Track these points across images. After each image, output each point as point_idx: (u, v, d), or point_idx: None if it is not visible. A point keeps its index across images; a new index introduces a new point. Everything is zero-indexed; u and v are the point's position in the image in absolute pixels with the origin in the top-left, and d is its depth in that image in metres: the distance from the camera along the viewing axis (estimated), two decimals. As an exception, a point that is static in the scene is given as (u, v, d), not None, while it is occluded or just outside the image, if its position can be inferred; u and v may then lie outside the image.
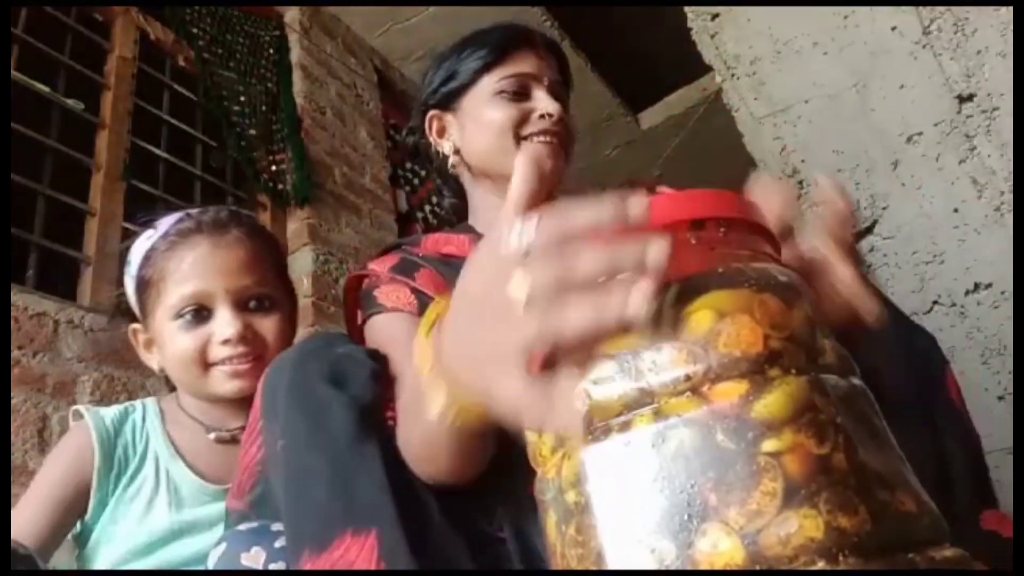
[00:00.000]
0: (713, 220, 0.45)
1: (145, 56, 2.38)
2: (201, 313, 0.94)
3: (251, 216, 1.05)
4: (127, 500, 0.93)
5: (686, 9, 1.74)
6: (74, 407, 1.00)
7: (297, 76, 2.80)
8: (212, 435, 0.97)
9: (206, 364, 0.94)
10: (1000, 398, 1.36)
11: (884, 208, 1.49)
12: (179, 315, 0.94)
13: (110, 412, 0.98)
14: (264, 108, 2.56)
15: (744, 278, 0.43)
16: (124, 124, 2.18)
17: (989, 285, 1.38)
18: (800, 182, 1.59)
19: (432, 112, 1.05)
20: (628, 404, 0.41)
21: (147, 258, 0.98)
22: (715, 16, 1.69)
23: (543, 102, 0.97)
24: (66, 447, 0.95)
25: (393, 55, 3.38)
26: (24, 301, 1.62)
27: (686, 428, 0.39)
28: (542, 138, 0.96)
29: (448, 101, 1.03)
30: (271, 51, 2.75)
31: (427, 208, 3.27)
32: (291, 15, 2.94)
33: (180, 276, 0.94)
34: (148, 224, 1.02)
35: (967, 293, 1.40)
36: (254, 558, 0.63)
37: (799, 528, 0.36)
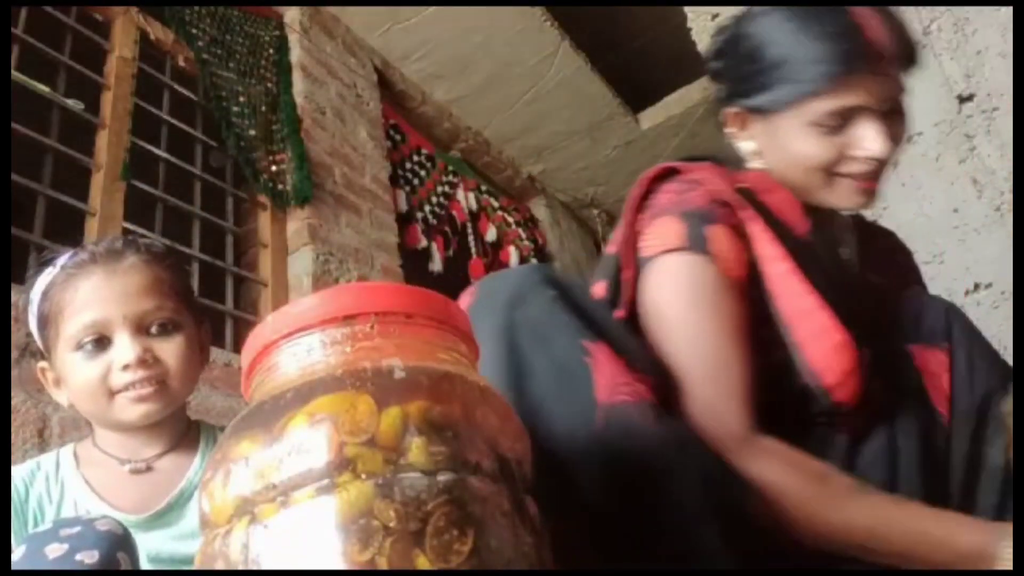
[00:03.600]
0: (397, 313, 0.48)
1: (145, 56, 2.38)
2: (101, 342, 0.94)
3: (151, 242, 1.05)
4: None
5: (686, 9, 1.74)
6: None
7: (297, 76, 2.80)
8: (127, 467, 0.97)
9: (110, 392, 0.94)
10: (1000, 398, 1.36)
11: (884, 208, 1.49)
12: (80, 346, 0.94)
13: (20, 471, 0.98)
14: (264, 108, 2.56)
15: (353, 379, 0.44)
16: (124, 124, 2.18)
17: (989, 285, 1.38)
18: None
19: (736, 109, 0.93)
20: (236, 510, 0.43)
21: (45, 294, 0.98)
22: (715, 16, 1.69)
23: (869, 141, 0.82)
24: None
25: (393, 55, 3.38)
26: (24, 301, 1.62)
27: (271, 535, 0.41)
28: (857, 182, 0.85)
29: (759, 106, 0.91)
30: (271, 51, 2.75)
31: (427, 208, 3.27)
32: (291, 15, 2.94)
33: (77, 307, 0.94)
34: (48, 263, 1.01)
35: (967, 293, 1.40)
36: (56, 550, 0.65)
37: None
